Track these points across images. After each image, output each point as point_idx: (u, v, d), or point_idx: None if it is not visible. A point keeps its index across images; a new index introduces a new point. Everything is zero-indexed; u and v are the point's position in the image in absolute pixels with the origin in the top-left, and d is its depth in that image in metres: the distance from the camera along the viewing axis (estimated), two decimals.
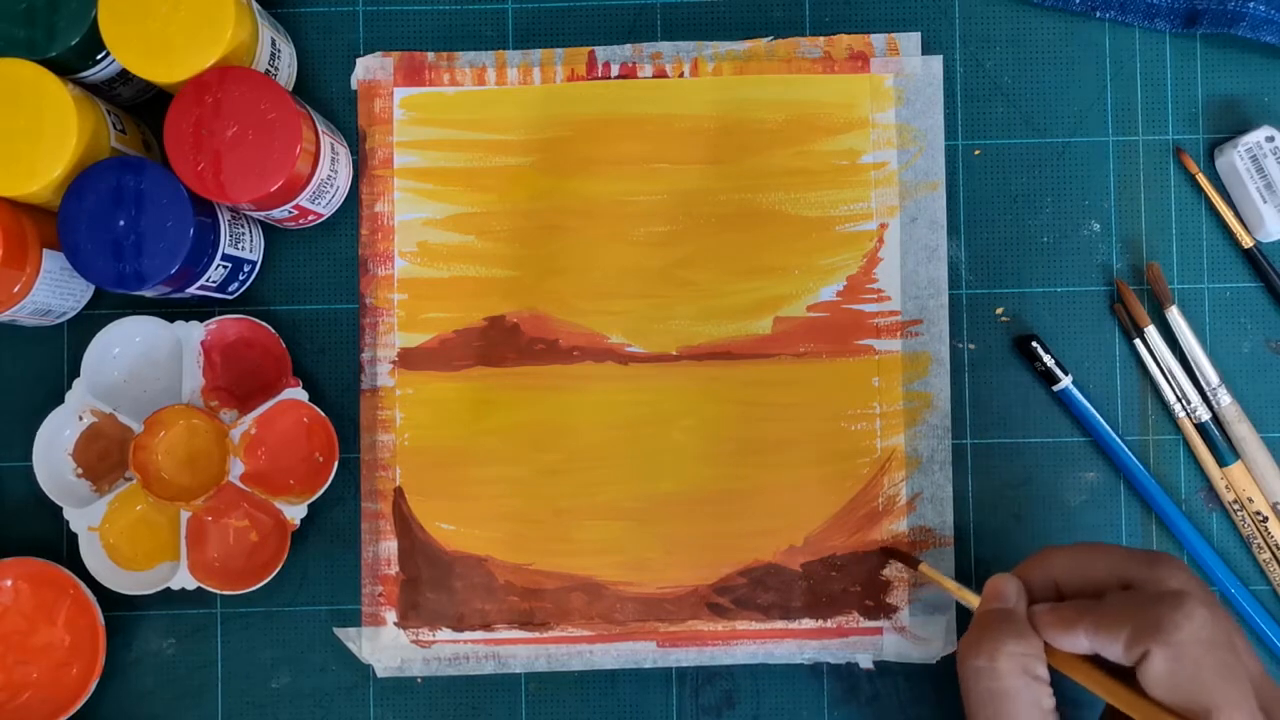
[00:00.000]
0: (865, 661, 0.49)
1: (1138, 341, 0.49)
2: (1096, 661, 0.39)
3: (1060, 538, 0.49)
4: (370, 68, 0.50)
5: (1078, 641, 0.38)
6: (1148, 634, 0.36)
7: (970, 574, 0.49)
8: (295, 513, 0.47)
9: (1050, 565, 0.41)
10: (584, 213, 0.50)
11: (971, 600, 0.43)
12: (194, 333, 0.48)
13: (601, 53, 0.50)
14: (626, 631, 0.49)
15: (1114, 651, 0.37)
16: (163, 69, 0.43)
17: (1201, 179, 0.49)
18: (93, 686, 0.47)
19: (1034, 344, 0.49)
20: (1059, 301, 0.50)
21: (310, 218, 0.48)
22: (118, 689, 0.49)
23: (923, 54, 0.50)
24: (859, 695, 0.49)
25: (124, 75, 0.46)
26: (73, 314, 0.49)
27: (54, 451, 0.48)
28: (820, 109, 0.50)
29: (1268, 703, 0.36)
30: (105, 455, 0.48)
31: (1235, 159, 0.48)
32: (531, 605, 0.49)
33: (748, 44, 0.50)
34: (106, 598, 0.48)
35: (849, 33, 0.50)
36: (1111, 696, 0.38)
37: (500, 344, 0.49)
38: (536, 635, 0.49)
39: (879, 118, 0.50)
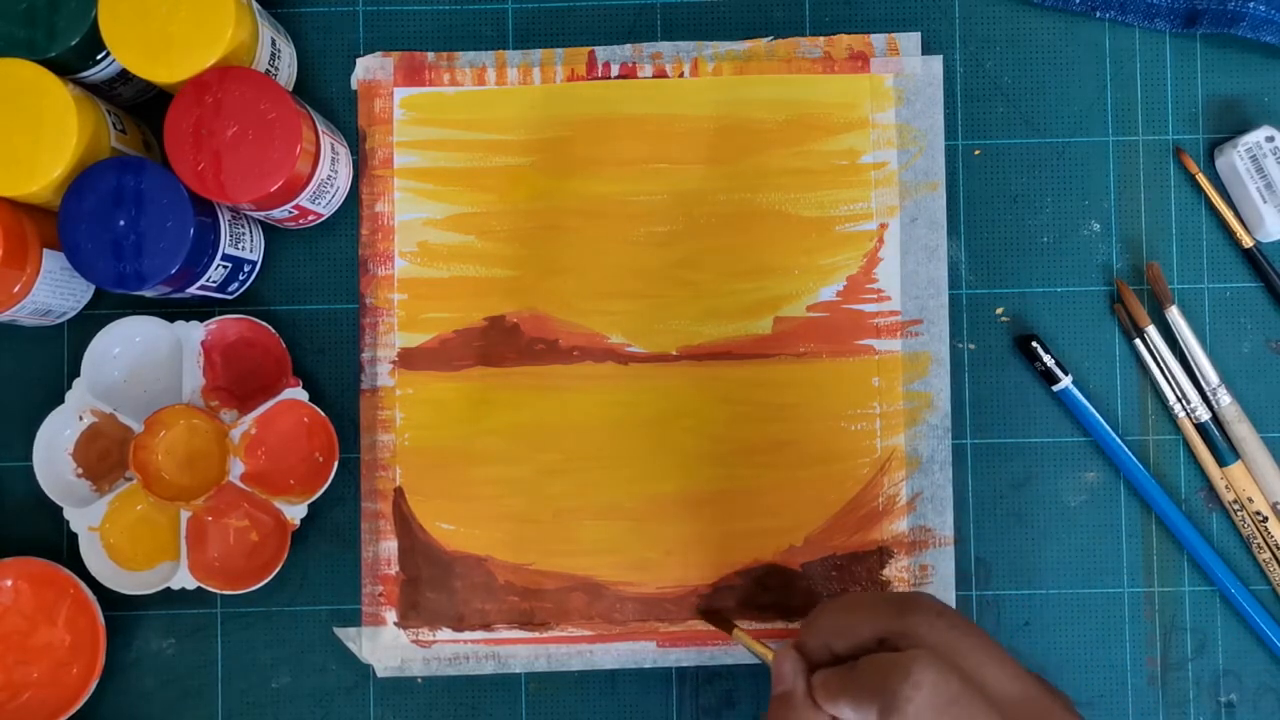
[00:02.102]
0: None
1: (1138, 341, 0.49)
2: None
3: (1060, 538, 0.49)
4: (370, 68, 0.50)
5: (844, 713, 0.38)
6: (886, 710, 0.35)
7: (970, 574, 0.49)
8: (295, 513, 0.47)
9: (820, 628, 0.40)
10: (584, 213, 0.50)
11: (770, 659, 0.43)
12: (194, 333, 0.48)
13: (601, 53, 0.50)
14: (626, 631, 0.49)
15: None
16: (163, 69, 0.43)
17: (1201, 179, 0.49)
18: (93, 686, 0.47)
19: (1034, 344, 0.49)
20: (1059, 301, 0.50)
21: (310, 218, 0.48)
22: (118, 689, 0.49)
23: (923, 54, 0.50)
24: None
25: (124, 75, 0.46)
26: (73, 314, 0.49)
27: (54, 451, 0.48)
28: (820, 109, 0.50)
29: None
30: (105, 455, 0.48)
31: (1235, 159, 0.48)
32: (531, 605, 0.49)
33: (748, 44, 0.50)
34: (106, 598, 0.48)
35: (849, 33, 0.50)
36: None
37: (500, 344, 0.49)
38: (536, 635, 0.49)
39: (879, 118, 0.50)
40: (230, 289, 0.48)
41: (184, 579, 0.47)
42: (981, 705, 0.36)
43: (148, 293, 0.44)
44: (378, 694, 0.49)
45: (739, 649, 0.49)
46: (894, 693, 0.35)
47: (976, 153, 0.50)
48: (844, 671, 0.38)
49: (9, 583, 0.47)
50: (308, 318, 0.50)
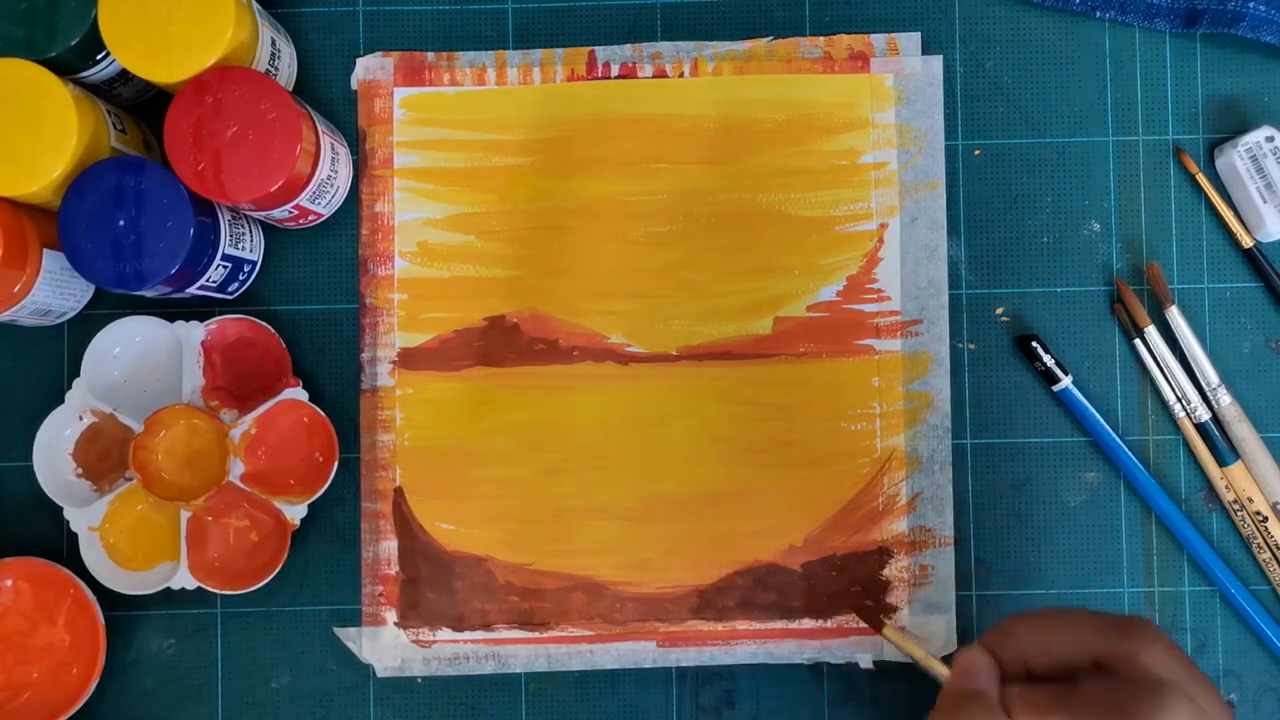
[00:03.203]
0: (865, 661, 0.49)
1: (1138, 341, 0.49)
2: None
3: (1060, 538, 0.49)
4: (370, 68, 0.50)
5: None
6: None
7: (970, 574, 0.49)
8: (295, 513, 0.47)
9: (1018, 641, 0.39)
10: (584, 213, 0.50)
11: (941, 672, 0.42)
12: (194, 333, 0.48)
13: (601, 53, 0.50)
14: (626, 631, 0.49)
15: None
16: (163, 69, 0.43)
17: (1201, 179, 0.49)
18: (93, 686, 0.47)
19: (1034, 344, 0.49)
20: (1059, 301, 0.50)
21: (310, 218, 0.48)
22: (118, 689, 0.49)
23: (923, 54, 0.50)
24: (859, 695, 0.49)
25: (124, 75, 0.46)
26: (73, 314, 0.49)
27: (54, 451, 0.48)
28: (820, 109, 0.50)
29: None
30: (105, 455, 0.48)
31: (1235, 159, 0.48)
32: (531, 605, 0.49)
33: (748, 44, 0.50)
34: (106, 598, 0.48)
35: (849, 33, 0.50)
36: None
37: (500, 344, 0.49)
38: (536, 635, 0.49)
39: (879, 118, 0.50)
40: (230, 289, 0.48)
41: (184, 579, 0.47)
42: None
43: (148, 293, 0.44)
44: (378, 694, 0.49)
45: (738, 649, 0.49)
46: (1145, 716, 0.34)
47: (976, 153, 0.50)
48: (1064, 690, 0.36)
49: (9, 583, 0.47)
50: (308, 318, 0.50)
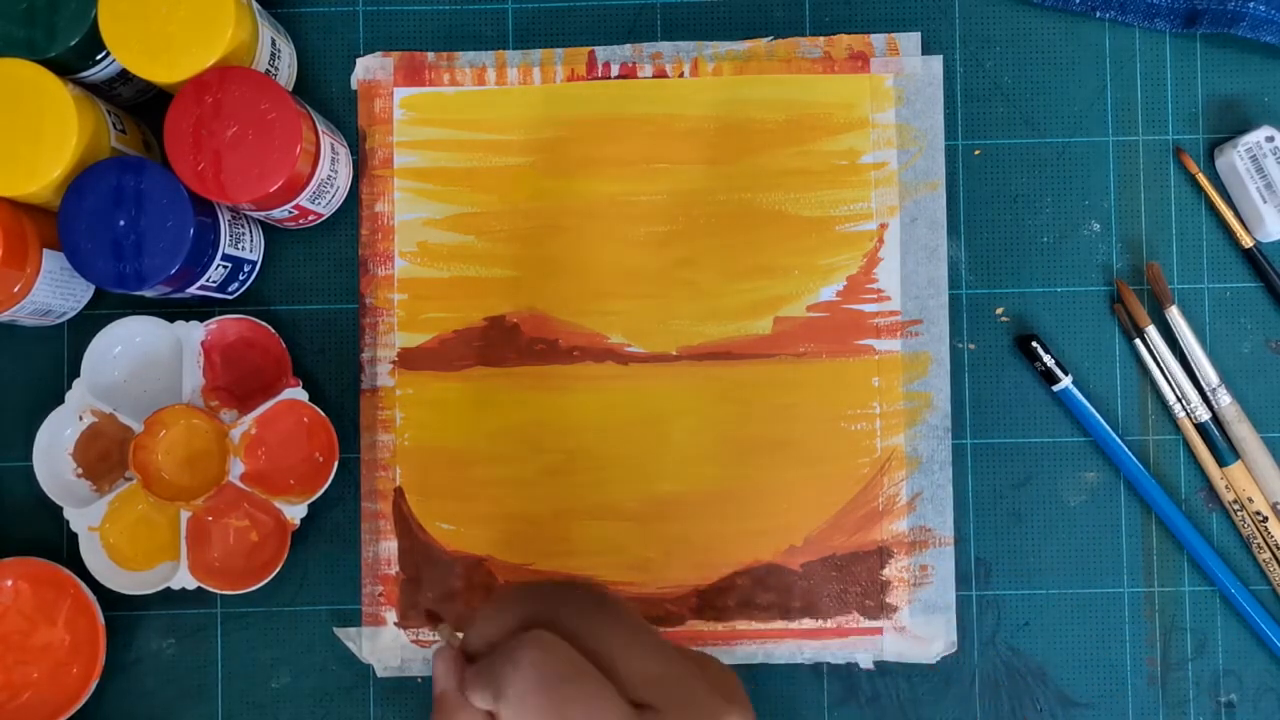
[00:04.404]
0: (865, 661, 0.49)
1: (1138, 341, 0.49)
2: None
3: (1060, 538, 0.49)
4: (370, 68, 0.50)
5: (478, 702, 0.36)
6: (496, 695, 0.35)
7: (970, 574, 0.49)
8: (295, 513, 0.47)
9: (476, 624, 0.39)
10: (584, 213, 0.50)
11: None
12: (194, 333, 0.48)
13: (601, 53, 0.50)
14: None
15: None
16: (163, 69, 0.43)
17: (1201, 179, 0.49)
18: (93, 686, 0.47)
19: (1034, 344, 0.49)
20: (1059, 301, 0.50)
21: (310, 218, 0.48)
22: (118, 689, 0.49)
23: (923, 54, 0.50)
24: (859, 695, 0.49)
25: (124, 75, 0.46)
26: (73, 314, 0.49)
27: (54, 451, 0.48)
28: (820, 109, 0.50)
29: (658, 685, 0.36)
30: (105, 455, 0.48)
31: (1235, 159, 0.48)
32: None
33: (748, 44, 0.50)
34: (106, 598, 0.48)
35: (849, 33, 0.50)
36: None
37: (500, 344, 0.49)
38: None
39: (879, 118, 0.50)
40: (230, 289, 0.48)
41: (184, 579, 0.47)
42: (594, 682, 0.35)
43: (148, 293, 0.44)
44: (378, 694, 0.49)
45: (738, 649, 0.49)
46: (499, 675, 0.35)
47: (976, 153, 0.50)
48: (482, 662, 0.37)
49: (9, 583, 0.47)
50: (308, 318, 0.50)
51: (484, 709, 0.36)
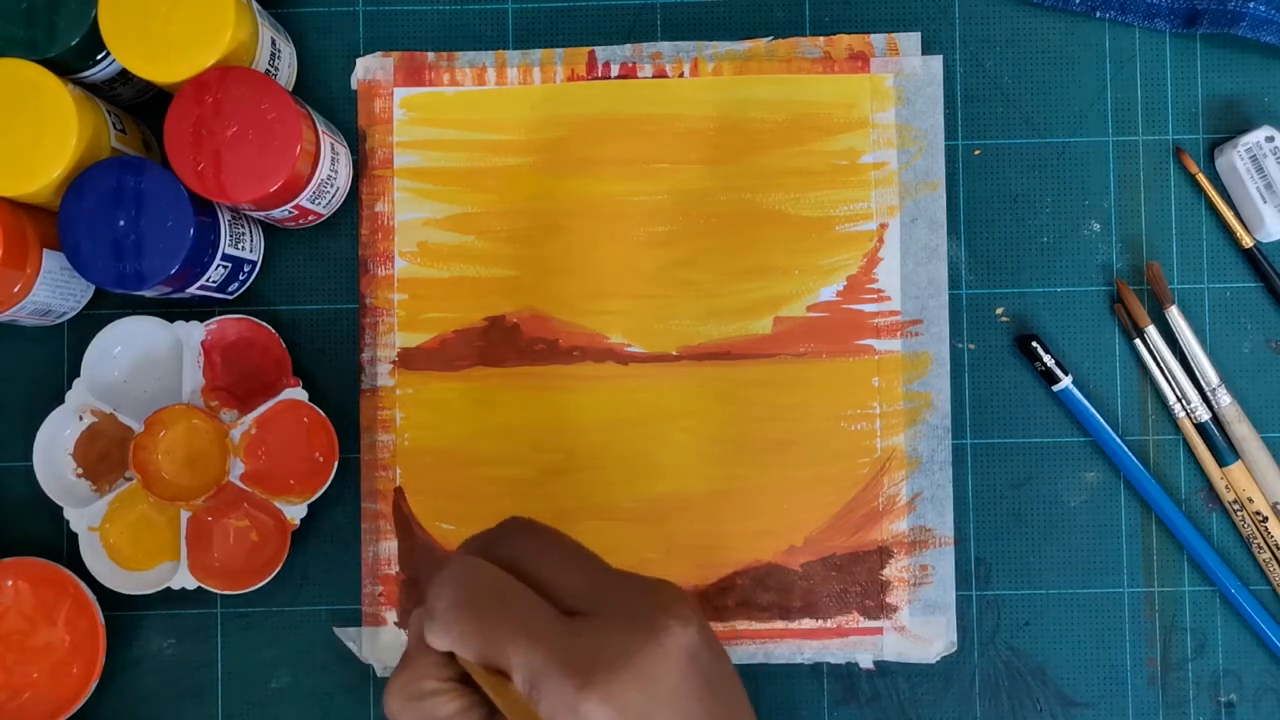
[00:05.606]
0: (865, 661, 0.49)
1: (1138, 341, 0.49)
2: None
3: (1060, 538, 0.49)
4: (370, 68, 0.50)
5: (430, 638, 0.36)
6: (426, 614, 0.35)
7: (970, 574, 0.49)
8: (295, 513, 0.47)
9: (433, 584, 0.38)
10: (584, 213, 0.50)
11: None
12: (194, 333, 0.48)
13: (601, 53, 0.50)
14: None
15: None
16: (163, 69, 0.43)
17: (1201, 179, 0.49)
18: (93, 686, 0.47)
19: (1034, 344, 0.49)
20: (1059, 301, 0.50)
21: (310, 218, 0.48)
22: (118, 689, 0.49)
23: (923, 54, 0.50)
24: (859, 695, 0.49)
25: (124, 75, 0.46)
26: (73, 314, 0.49)
27: (54, 451, 0.48)
28: (820, 109, 0.50)
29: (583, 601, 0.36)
30: (105, 455, 0.48)
31: (1235, 159, 0.48)
32: None
33: (748, 44, 0.50)
34: (106, 598, 0.48)
35: (849, 33, 0.50)
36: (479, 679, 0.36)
37: (500, 344, 0.49)
38: None
39: (879, 118, 0.50)
40: (230, 289, 0.48)
41: (184, 579, 0.47)
42: (520, 593, 0.35)
43: (148, 293, 0.44)
44: (378, 694, 0.49)
45: (738, 649, 0.49)
46: (428, 600, 0.36)
47: (976, 153, 0.50)
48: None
49: (9, 583, 0.47)
50: (308, 318, 0.50)
51: (443, 650, 0.36)
